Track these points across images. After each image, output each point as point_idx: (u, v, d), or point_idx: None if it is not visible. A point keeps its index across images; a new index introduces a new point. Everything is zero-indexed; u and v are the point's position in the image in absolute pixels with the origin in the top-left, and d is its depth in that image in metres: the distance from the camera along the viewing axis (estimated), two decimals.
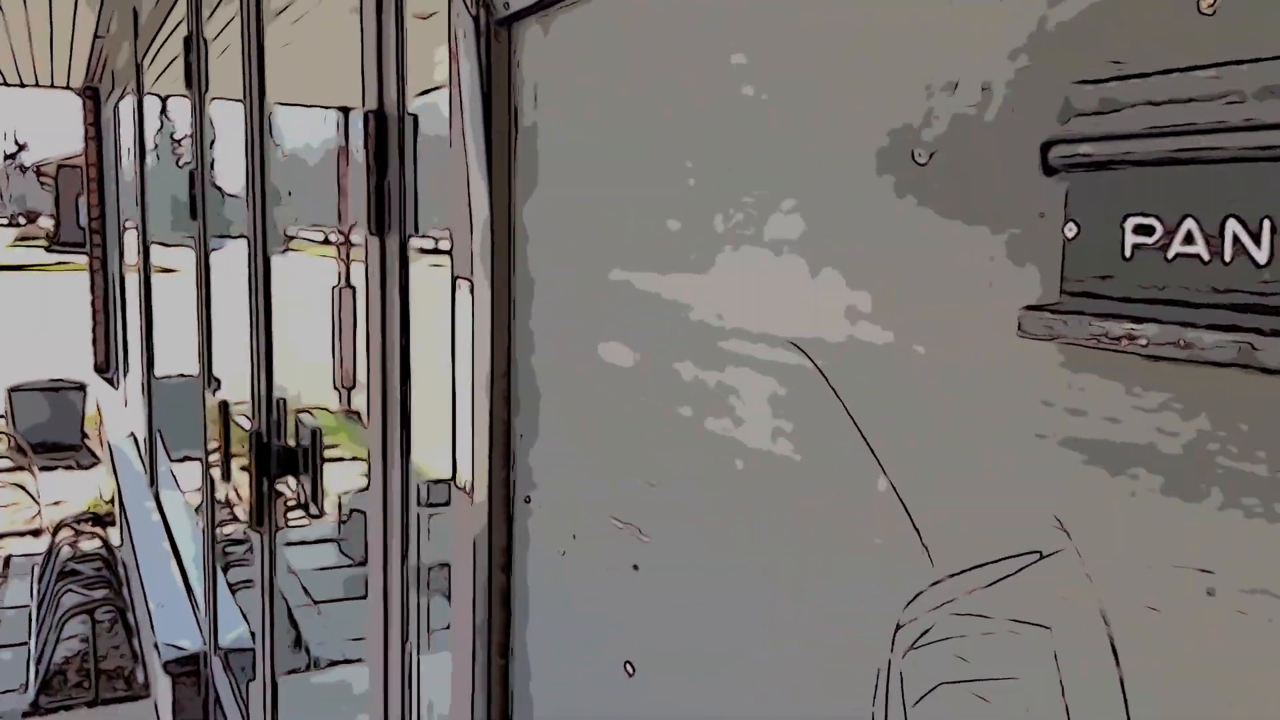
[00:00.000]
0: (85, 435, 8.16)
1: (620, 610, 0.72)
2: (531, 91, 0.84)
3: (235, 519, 4.04)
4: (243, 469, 2.27)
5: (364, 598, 4.56)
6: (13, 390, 7.98)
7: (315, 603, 4.44)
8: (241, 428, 2.22)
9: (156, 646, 3.13)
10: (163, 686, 3.20)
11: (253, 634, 3.40)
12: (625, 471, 0.71)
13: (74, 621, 4.06)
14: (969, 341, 0.43)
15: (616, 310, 0.70)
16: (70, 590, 4.19)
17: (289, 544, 5.31)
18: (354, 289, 4.55)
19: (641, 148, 0.66)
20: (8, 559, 5.39)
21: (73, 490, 6.67)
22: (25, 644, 4.28)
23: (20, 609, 4.73)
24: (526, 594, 0.88)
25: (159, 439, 4.92)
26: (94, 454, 7.78)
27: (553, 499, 0.83)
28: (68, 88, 7.97)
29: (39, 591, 4.63)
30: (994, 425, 0.42)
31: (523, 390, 0.89)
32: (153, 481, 4.84)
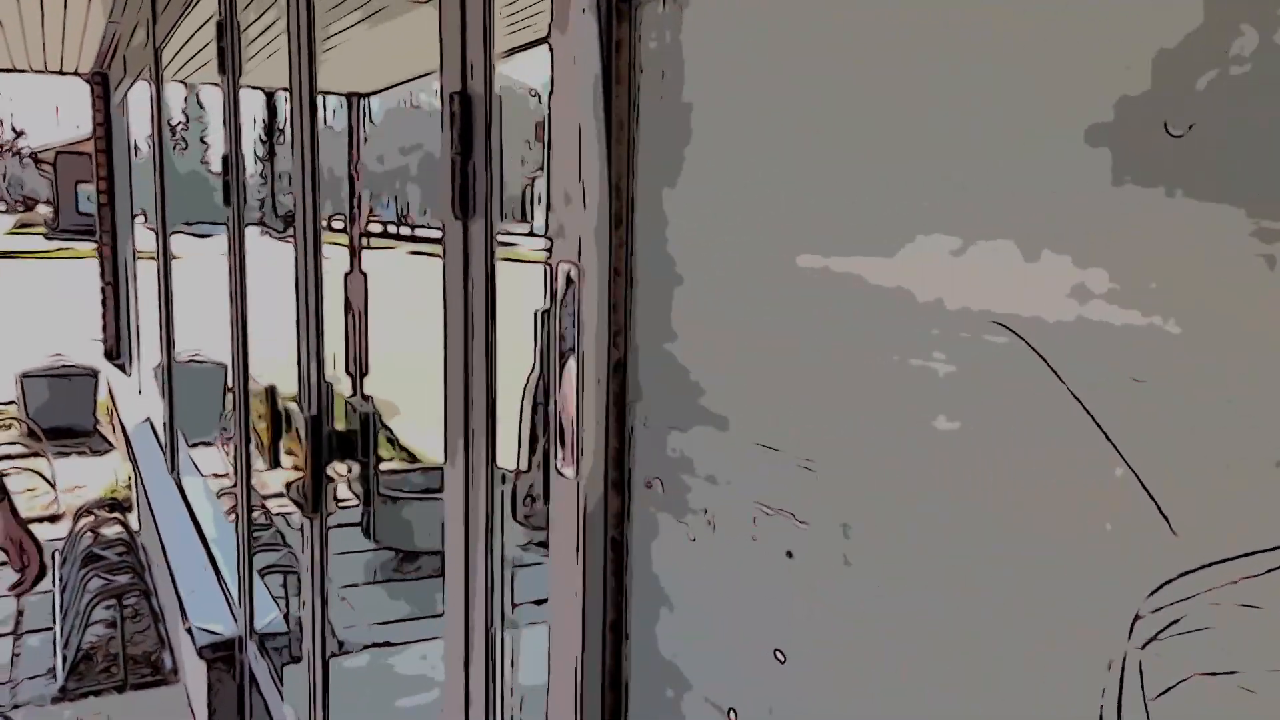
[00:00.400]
0: (97, 421, 8.15)
1: (770, 597, 0.71)
2: (659, 71, 0.82)
3: (264, 505, 4.02)
4: (290, 453, 2.26)
5: (385, 581, 4.58)
6: (24, 376, 7.96)
7: (342, 586, 4.42)
8: (288, 412, 2.20)
9: (190, 631, 3.13)
10: (195, 671, 3.20)
11: (286, 617, 3.40)
12: (778, 457, 0.70)
13: (99, 607, 4.06)
14: (1243, 320, 0.41)
15: (782, 292, 0.68)
16: (96, 576, 4.19)
17: None
18: (364, 275, 4.54)
19: (810, 124, 0.64)
20: None
21: (88, 476, 6.67)
22: (50, 629, 4.29)
23: (43, 594, 4.72)
24: (651, 581, 0.87)
25: (178, 425, 4.91)
26: (107, 440, 7.77)
27: (683, 486, 0.81)
28: (76, 73, 7.92)
29: (62, 577, 4.63)
30: (1274, 406, 0.41)
31: (646, 376, 0.87)
32: (173, 467, 4.83)
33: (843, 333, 0.63)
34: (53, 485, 6.19)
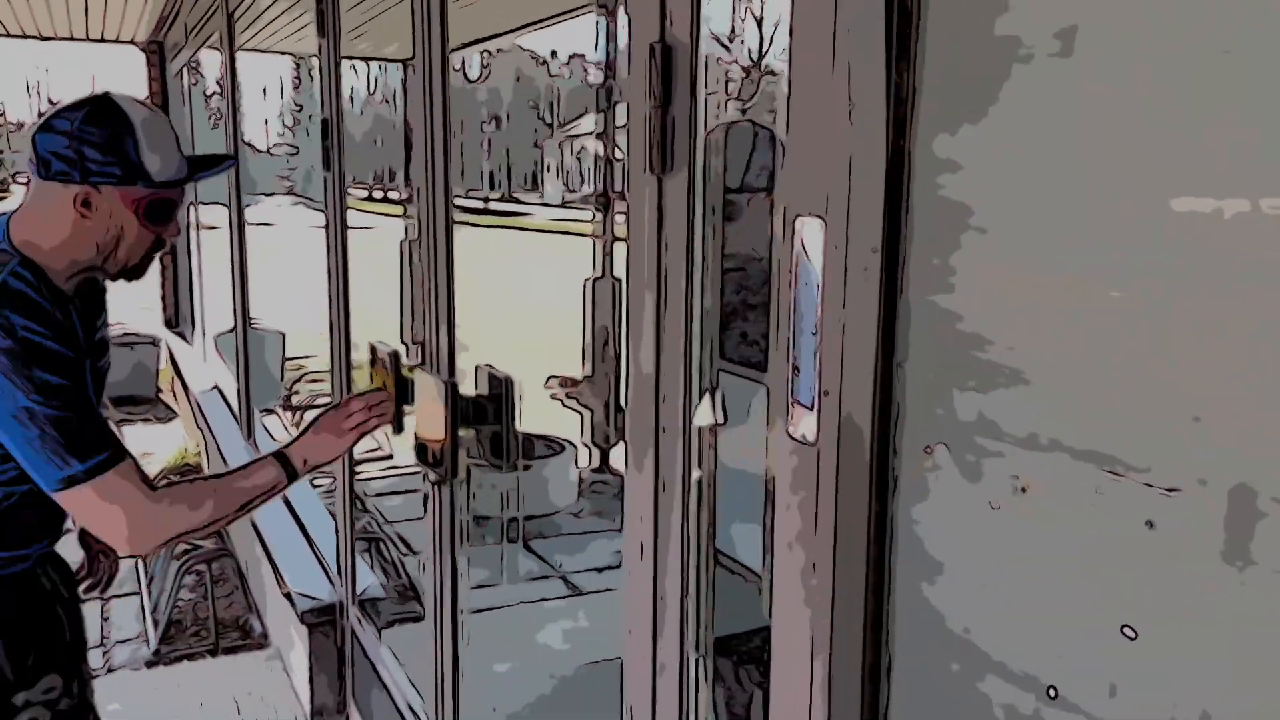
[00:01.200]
0: (159, 389, 8.25)
1: (1120, 569, 0.67)
2: None
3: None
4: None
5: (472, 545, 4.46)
6: None
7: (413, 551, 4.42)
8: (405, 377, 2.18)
9: (290, 597, 3.15)
10: (295, 636, 3.22)
11: (382, 582, 3.41)
12: (1132, 419, 0.65)
13: (187, 573, 4.11)
14: None
15: (1147, 237, 0.63)
16: (180, 541, 4.23)
17: (380, 494, 5.32)
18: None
19: (1217, 48, 0.59)
20: None
21: (155, 443, 6.75)
22: (135, 594, 4.34)
23: (124, 557, 4.78)
24: (930, 553, 0.82)
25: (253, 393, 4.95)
26: (169, 408, 7.86)
27: (981, 450, 0.77)
28: (132, 42, 7.93)
29: None
30: None
31: (921, 333, 0.82)
32: (249, 434, 4.87)
33: (1241, 277, 0.58)
34: None
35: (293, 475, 1.67)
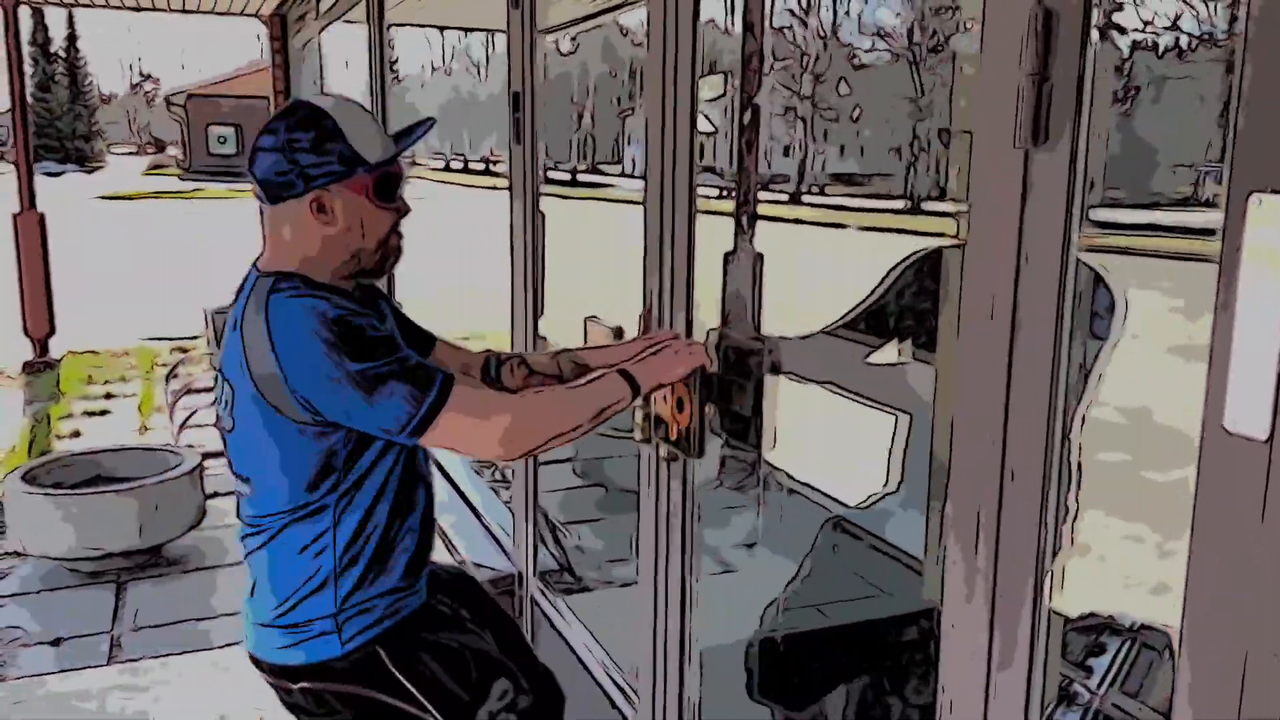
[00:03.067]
0: None
1: None
2: None
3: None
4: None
5: (601, 520, 4.51)
6: (215, 313, 8.30)
7: (565, 523, 4.47)
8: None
9: (464, 566, 3.20)
10: None
11: (554, 555, 3.45)
12: None
13: None
14: None
15: None
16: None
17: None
18: (542, 215, 4.48)
19: None
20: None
21: None
22: None
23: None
24: None
25: None
26: None
27: None
28: (257, 15, 8.07)
29: None
30: None
31: None
32: None
33: None
34: None
35: (636, 391, 1.67)
